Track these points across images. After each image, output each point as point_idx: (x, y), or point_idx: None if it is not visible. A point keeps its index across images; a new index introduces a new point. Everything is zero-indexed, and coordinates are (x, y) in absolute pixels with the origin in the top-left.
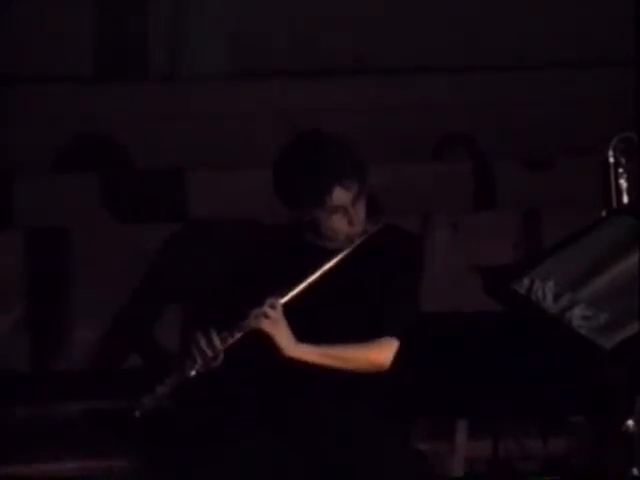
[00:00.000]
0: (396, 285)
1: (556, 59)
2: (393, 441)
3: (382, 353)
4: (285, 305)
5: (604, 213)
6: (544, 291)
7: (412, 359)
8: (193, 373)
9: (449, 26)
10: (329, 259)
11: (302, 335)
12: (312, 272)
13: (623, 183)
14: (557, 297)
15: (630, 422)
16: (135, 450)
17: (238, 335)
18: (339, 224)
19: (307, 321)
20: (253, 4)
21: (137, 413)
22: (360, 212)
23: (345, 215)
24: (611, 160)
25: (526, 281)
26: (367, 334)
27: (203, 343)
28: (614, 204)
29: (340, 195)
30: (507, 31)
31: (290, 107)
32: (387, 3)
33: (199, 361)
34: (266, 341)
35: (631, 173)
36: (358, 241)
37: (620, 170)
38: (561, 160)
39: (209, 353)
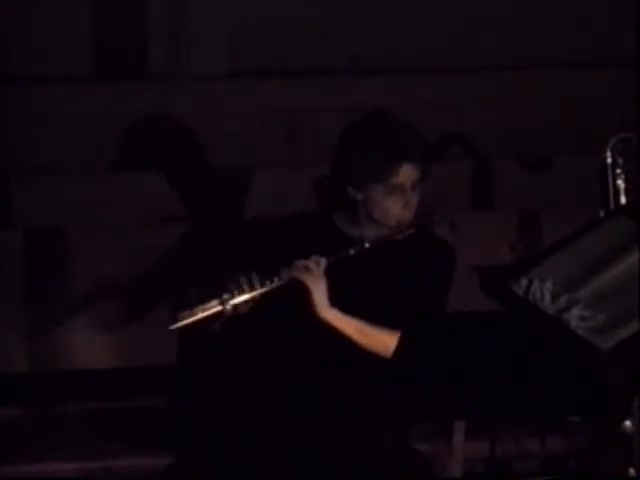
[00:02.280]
0: (426, 283)
1: (556, 59)
2: (392, 441)
3: (395, 340)
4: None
5: (602, 214)
6: (542, 291)
7: (411, 359)
8: (228, 307)
9: (449, 26)
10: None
11: None
12: (359, 245)
13: (621, 184)
14: (555, 297)
15: (628, 423)
16: (135, 449)
17: (277, 282)
18: (394, 205)
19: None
20: (253, 4)
21: (172, 326)
22: (415, 199)
23: (402, 197)
24: (609, 161)
25: (524, 281)
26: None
27: (243, 280)
28: (612, 205)
29: (407, 172)
30: (507, 31)
31: (290, 107)
32: (387, 3)
33: (236, 294)
34: (300, 298)
35: (629, 174)
36: (406, 229)
37: (618, 171)
38: (560, 160)
39: (247, 290)
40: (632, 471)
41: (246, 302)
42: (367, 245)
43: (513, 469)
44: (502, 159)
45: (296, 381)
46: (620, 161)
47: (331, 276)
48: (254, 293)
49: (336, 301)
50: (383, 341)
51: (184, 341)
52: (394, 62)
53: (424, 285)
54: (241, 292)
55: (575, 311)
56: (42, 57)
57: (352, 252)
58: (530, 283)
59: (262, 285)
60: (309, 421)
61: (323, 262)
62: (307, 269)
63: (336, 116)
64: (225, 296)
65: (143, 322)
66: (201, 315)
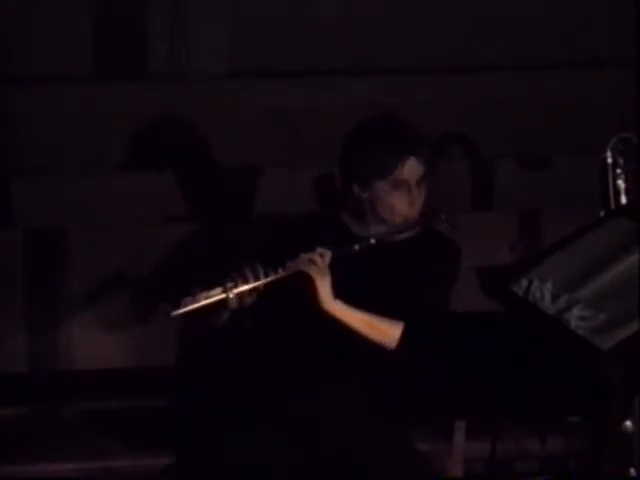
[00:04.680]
0: (429, 281)
1: (556, 59)
2: (392, 441)
3: (399, 333)
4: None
5: (602, 214)
6: (542, 291)
7: (410, 359)
8: (232, 295)
9: (449, 26)
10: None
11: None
12: (365, 239)
13: (621, 184)
14: (555, 297)
15: (628, 423)
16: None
17: (281, 273)
18: (399, 202)
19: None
20: (253, 4)
21: (172, 313)
22: (421, 196)
23: (407, 194)
24: (609, 160)
25: (524, 281)
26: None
27: (247, 270)
28: (612, 205)
29: (411, 167)
30: (507, 31)
31: (290, 107)
32: (387, 3)
33: (240, 283)
34: (305, 290)
35: (629, 174)
36: (412, 227)
37: (618, 171)
38: (560, 160)
39: (250, 279)
40: (632, 471)
41: (250, 292)
42: (372, 241)
43: (513, 469)
44: (502, 159)
45: (296, 381)
46: (620, 161)
47: (336, 271)
48: (258, 283)
49: (340, 296)
50: (388, 332)
51: (184, 341)
52: (394, 62)
53: (426, 284)
54: (245, 281)
55: (575, 311)
56: (42, 57)
57: (357, 248)
58: (530, 283)
59: (266, 276)
60: (309, 421)
61: (328, 255)
62: (312, 261)
63: (336, 116)
64: (229, 284)
65: (143, 322)
66: (204, 302)
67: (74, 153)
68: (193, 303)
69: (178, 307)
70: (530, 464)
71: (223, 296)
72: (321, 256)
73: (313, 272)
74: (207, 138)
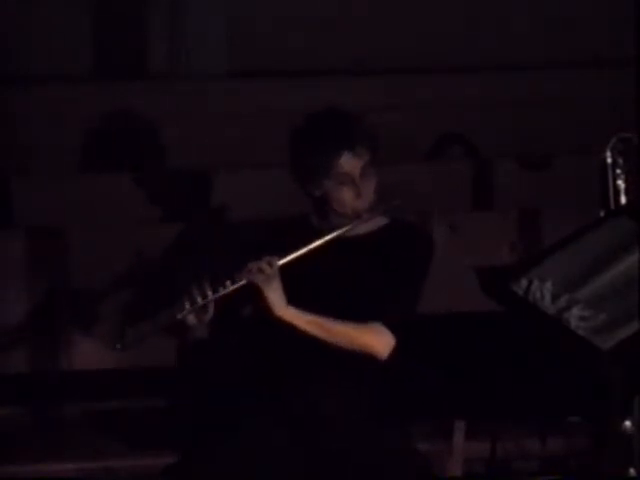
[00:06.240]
0: (397, 274)
1: (556, 59)
2: (392, 441)
3: (376, 337)
4: (285, 277)
5: (602, 214)
6: (542, 291)
7: (410, 359)
8: (179, 316)
9: (449, 26)
10: (334, 231)
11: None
12: (315, 240)
13: (621, 184)
14: (555, 297)
15: (628, 423)
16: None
17: (230, 286)
18: (347, 195)
19: (304, 299)
20: (253, 4)
21: (118, 346)
22: (368, 187)
23: (353, 187)
24: (609, 161)
25: (524, 281)
26: (362, 319)
27: (194, 289)
28: (612, 205)
29: (349, 161)
30: (507, 31)
31: (290, 107)
32: (387, 3)
33: (187, 306)
34: (258, 300)
35: (629, 174)
36: (365, 217)
37: (618, 171)
38: (560, 160)
39: (198, 300)
40: (632, 471)
41: (203, 309)
42: (319, 242)
43: (513, 469)
44: (502, 159)
45: (295, 381)
46: (620, 161)
47: (300, 274)
48: (207, 300)
49: (304, 299)
50: (346, 334)
51: (184, 342)
52: (394, 62)
53: (393, 278)
54: (192, 302)
55: (575, 311)
56: (42, 57)
57: (305, 250)
58: (530, 283)
59: (215, 291)
60: (309, 421)
61: (275, 262)
62: (260, 270)
63: None
64: (176, 308)
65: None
66: (152, 329)
67: (74, 153)
68: (137, 333)
69: (123, 340)
70: (530, 464)
71: (169, 319)
72: (269, 264)
73: (260, 281)
74: (207, 138)
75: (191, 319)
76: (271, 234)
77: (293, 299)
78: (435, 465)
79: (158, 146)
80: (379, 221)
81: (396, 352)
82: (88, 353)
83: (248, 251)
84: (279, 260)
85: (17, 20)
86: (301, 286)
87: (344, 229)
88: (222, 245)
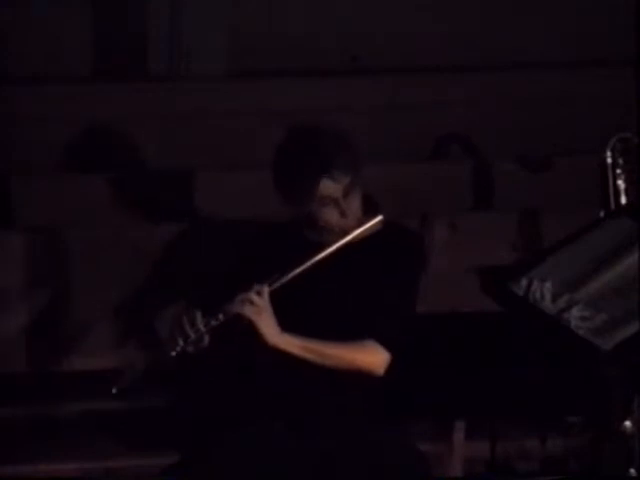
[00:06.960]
0: (392, 285)
1: (556, 59)
2: (392, 441)
3: (370, 357)
4: (277, 295)
5: (602, 214)
6: (542, 292)
7: (410, 359)
8: (173, 354)
9: (448, 26)
10: (322, 251)
11: (290, 329)
12: (304, 262)
13: (621, 184)
14: (555, 298)
15: (628, 423)
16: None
17: (222, 319)
18: (331, 216)
19: (297, 315)
20: (252, 4)
21: (114, 390)
22: (353, 205)
23: (336, 207)
24: (609, 161)
25: (524, 281)
26: (357, 334)
27: (186, 324)
28: (612, 205)
29: (328, 187)
30: (507, 31)
31: (290, 107)
32: (387, 3)
33: (180, 342)
34: (249, 328)
35: (629, 174)
36: (353, 233)
37: (618, 171)
38: (560, 160)
39: (191, 334)
40: (632, 471)
41: (198, 341)
42: (308, 264)
43: (513, 469)
44: (502, 159)
45: (295, 381)
46: (620, 161)
47: (289, 287)
48: (199, 334)
49: (297, 312)
50: (340, 358)
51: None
52: (394, 62)
53: (389, 289)
54: (185, 337)
55: (575, 311)
56: (42, 57)
57: (294, 274)
58: (530, 283)
59: (206, 325)
60: (309, 421)
61: (265, 290)
62: (250, 302)
63: (336, 116)
64: (170, 346)
65: (143, 322)
66: (145, 369)
67: (74, 153)
68: (132, 375)
69: (119, 382)
70: (530, 464)
71: (163, 358)
72: (258, 294)
73: (250, 313)
74: (207, 138)
75: (182, 349)
76: (262, 239)
77: (285, 316)
78: (435, 465)
79: (158, 146)
80: (371, 227)
81: (394, 365)
82: (88, 353)
83: (236, 262)
84: (269, 286)
85: (17, 20)
86: (293, 301)
87: (332, 248)
88: (215, 246)
